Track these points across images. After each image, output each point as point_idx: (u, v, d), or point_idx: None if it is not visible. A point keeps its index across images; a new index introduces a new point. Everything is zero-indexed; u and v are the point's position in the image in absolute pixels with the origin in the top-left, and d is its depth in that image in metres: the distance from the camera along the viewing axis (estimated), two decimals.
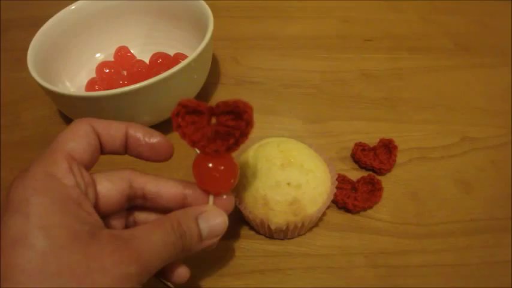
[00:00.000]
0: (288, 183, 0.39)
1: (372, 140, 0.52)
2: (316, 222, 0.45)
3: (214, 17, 0.54)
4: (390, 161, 0.49)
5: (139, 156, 0.33)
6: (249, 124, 0.30)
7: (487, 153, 0.52)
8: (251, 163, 0.41)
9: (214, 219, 0.31)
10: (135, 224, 0.34)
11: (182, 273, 0.34)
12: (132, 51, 0.63)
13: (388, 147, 0.50)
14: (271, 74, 0.64)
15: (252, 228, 0.45)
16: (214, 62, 0.65)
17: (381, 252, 0.43)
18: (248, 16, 0.75)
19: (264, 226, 0.42)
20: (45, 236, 0.24)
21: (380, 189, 0.47)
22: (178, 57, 0.58)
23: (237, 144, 0.31)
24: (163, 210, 0.33)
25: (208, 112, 0.31)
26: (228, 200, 0.34)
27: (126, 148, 0.32)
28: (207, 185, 0.33)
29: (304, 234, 0.44)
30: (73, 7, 0.58)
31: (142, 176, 0.32)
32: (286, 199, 0.39)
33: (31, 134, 0.57)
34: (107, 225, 0.31)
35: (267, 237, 0.44)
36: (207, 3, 0.56)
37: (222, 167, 0.32)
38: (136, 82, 0.46)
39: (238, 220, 0.46)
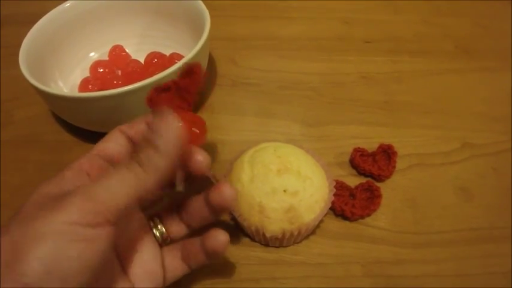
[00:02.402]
0: (285, 190, 0.38)
1: (371, 145, 0.51)
2: (313, 230, 0.44)
3: (211, 16, 0.53)
4: (389, 167, 0.48)
5: None
6: (197, 81, 0.35)
7: (488, 159, 0.51)
8: (246, 169, 0.40)
9: (163, 129, 0.29)
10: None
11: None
12: (127, 51, 0.62)
13: (387, 153, 0.49)
14: (268, 76, 0.62)
15: (246, 235, 0.44)
16: (211, 62, 0.64)
17: (378, 262, 0.42)
18: (246, 16, 0.74)
19: (259, 234, 0.41)
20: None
21: (379, 196, 0.46)
22: (174, 57, 0.57)
23: (191, 98, 0.35)
24: None
25: (173, 85, 0.35)
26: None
27: None
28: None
29: (300, 242, 0.43)
30: (67, 5, 0.57)
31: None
32: (282, 206, 0.38)
33: (24, 133, 0.56)
34: None
35: (262, 244, 0.43)
36: (204, 3, 0.55)
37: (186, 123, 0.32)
38: (130, 82, 0.45)
39: (233, 227, 0.45)
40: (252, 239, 0.44)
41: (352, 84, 0.61)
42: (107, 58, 0.61)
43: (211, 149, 0.52)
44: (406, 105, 0.58)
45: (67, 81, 0.58)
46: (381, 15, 0.74)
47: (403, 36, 0.70)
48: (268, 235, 0.40)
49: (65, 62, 0.58)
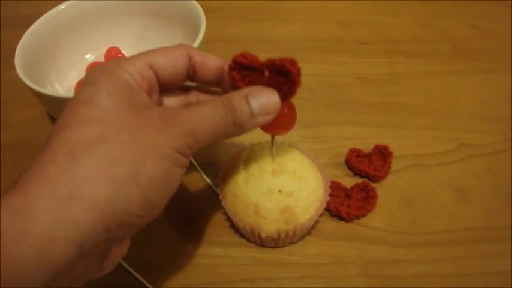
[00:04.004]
0: (280, 191, 0.38)
1: (366, 146, 0.51)
2: (309, 231, 0.44)
3: (207, 18, 0.53)
4: (385, 168, 0.48)
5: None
6: (295, 84, 0.32)
7: (484, 160, 0.51)
8: (242, 169, 0.40)
9: (264, 95, 0.32)
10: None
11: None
12: (123, 52, 0.61)
13: (383, 153, 0.49)
14: None
15: (242, 235, 0.44)
16: None
17: (374, 262, 0.42)
18: (242, 18, 0.74)
19: (254, 234, 0.41)
20: (108, 97, 0.28)
21: (374, 196, 0.46)
22: None
23: (285, 98, 0.33)
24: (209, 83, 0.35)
25: (261, 67, 0.33)
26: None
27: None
28: (267, 128, 0.35)
29: (296, 242, 0.43)
30: (63, 7, 0.57)
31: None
32: (277, 207, 0.38)
33: (21, 135, 0.56)
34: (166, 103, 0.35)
35: (258, 245, 0.43)
36: (200, 4, 0.55)
37: (280, 113, 0.33)
38: None
39: (229, 227, 0.45)
40: (248, 240, 0.43)
41: (348, 85, 0.61)
42: (103, 60, 0.61)
43: (206, 150, 0.52)
44: (401, 106, 0.58)
45: (63, 83, 0.57)
46: (377, 16, 0.74)
47: (399, 37, 0.70)
48: (263, 235, 0.40)
49: (61, 64, 0.58)
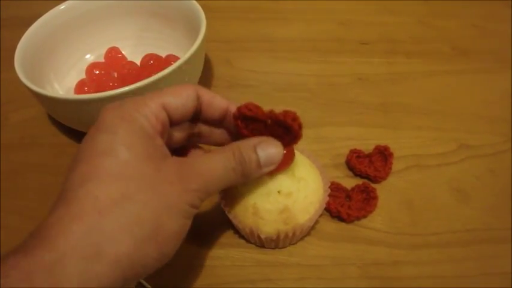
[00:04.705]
0: (279, 191, 0.38)
1: (367, 147, 0.51)
2: (309, 231, 0.44)
3: (208, 18, 0.53)
4: (386, 169, 0.48)
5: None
6: (296, 137, 0.34)
7: (485, 161, 0.51)
8: None
9: (271, 148, 0.34)
10: (199, 135, 0.38)
11: None
12: (123, 52, 0.61)
13: (383, 154, 0.49)
14: (264, 77, 0.62)
15: (242, 237, 0.44)
16: (207, 64, 0.64)
17: (374, 263, 0.42)
18: (242, 17, 0.74)
19: (254, 235, 0.40)
20: (128, 150, 0.29)
21: (375, 197, 0.45)
22: (170, 58, 0.57)
23: (286, 146, 0.35)
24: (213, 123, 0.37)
25: (264, 119, 0.35)
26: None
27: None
28: None
29: (296, 243, 0.43)
30: (62, 7, 0.57)
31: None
32: (276, 208, 0.38)
33: (20, 136, 0.56)
34: (175, 138, 0.36)
35: (258, 246, 0.43)
36: (200, 4, 0.55)
37: None
38: (126, 84, 0.45)
39: (228, 229, 0.44)
40: (248, 241, 0.43)
41: (348, 85, 0.61)
42: (103, 60, 0.61)
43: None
44: (402, 106, 0.57)
45: (63, 83, 0.58)
46: (377, 16, 0.74)
47: (400, 37, 0.69)
48: (263, 236, 0.40)
49: (60, 64, 0.58)
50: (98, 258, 0.25)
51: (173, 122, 0.34)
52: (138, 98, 0.32)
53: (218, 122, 0.37)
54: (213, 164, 0.32)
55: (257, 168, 0.34)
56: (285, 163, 0.38)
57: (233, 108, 0.35)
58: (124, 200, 0.27)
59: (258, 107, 0.35)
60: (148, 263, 0.28)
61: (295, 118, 0.34)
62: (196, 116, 0.36)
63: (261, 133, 0.36)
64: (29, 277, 0.23)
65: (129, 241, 0.26)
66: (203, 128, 0.38)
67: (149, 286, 0.40)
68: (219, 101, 0.36)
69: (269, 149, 0.34)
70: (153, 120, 0.31)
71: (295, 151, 0.42)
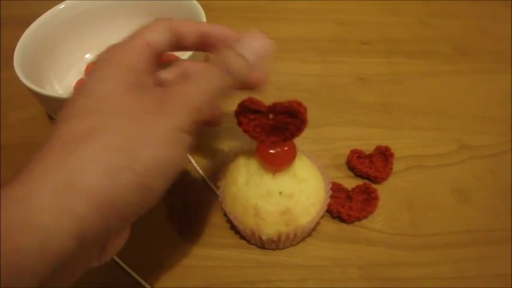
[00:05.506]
0: (280, 193, 0.38)
1: (367, 147, 0.50)
2: (309, 232, 0.43)
3: (208, 17, 0.53)
4: (386, 169, 0.48)
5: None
6: (303, 122, 0.35)
7: (486, 162, 0.50)
8: (242, 171, 0.40)
9: (253, 42, 0.32)
10: None
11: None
12: None
13: (384, 154, 0.49)
14: None
15: (243, 237, 0.44)
16: None
17: (375, 264, 0.42)
18: (242, 17, 0.74)
19: (255, 236, 0.40)
20: (106, 85, 0.28)
21: (375, 198, 0.45)
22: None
23: (292, 136, 0.36)
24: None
25: (267, 111, 0.35)
26: None
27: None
28: (270, 164, 0.38)
29: (296, 244, 0.43)
30: (62, 6, 0.57)
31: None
32: (277, 209, 0.38)
33: (20, 136, 0.55)
34: None
35: (259, 247, 0.43)
36: (200, 3, 0.54)
37: (281, 152, 0.37)
38: None
39: (229, 229, 0.44)
40: (248, 242, 0.43)
41: (349, 85, 0.61)
42: None
43: (207, 152, 0.52)
44: (403, 106, 0.57)
45: (62, 83, 0.57)
46: (378, 16, 0.74)
47: (400, 37, 0.69)
48: (264, 237, 0.39)
49: (60, 64, 0.57)
50: (68, 191, 0.24)
51: (157, 59, 0.33)
52: (122, 41, 0.31)
53: (199, 48, 0.35)
54: (199, 83, 0.30)
55: (248, 68, 0.32)
56: (287, 160, 0.38)
57: (205, 28, 0.34)
58: (96, 131, 0.26)
59: (259, 100, 0.35)
60: (129, 199, 0.26)
61: (299, 103, 0.34)
62: (175, 48, 0.34)
63: (263, 127, 0.36)
64: (3, 211, 0.23)
65: (102, 172, 0.25)
66: (189, 65, 0.36)
67: (149, 286, 0.40)
68: (190, 26, 0.34)
69: (252, 44, 0.32)
70: (138, 57, 0.30)
71: (297, 152, 0.42)
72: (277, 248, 0.43)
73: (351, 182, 0.48)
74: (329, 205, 0.43)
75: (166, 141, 0.27)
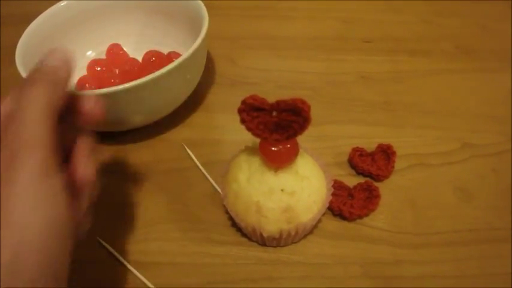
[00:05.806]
0: (282, 190, 0.38)
1: (369, 145, 0.50)
2: (311, 230, 0.43)
3: (210, 15, 0.52)
4: (388, 167, 0.48)
5: None
6: (307, 120, 0.34)
7: (488, 160, 0.50)
8: (244, 168, 0.40)
9: (53, 53, 0.31)
10: None
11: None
12: (124, 49, 0.61)
13: (386, 152, 0.49)
14: (267, 75, 0.62)
15: (244, 235, 0.43)
16: (210, 61, 0.63)
17: (377, 262, 0.42)
18: (245, 15, 0.74)
19: (256, 234, 0.40)
20: None
21: (377, 196, 0.45)
22: (172, 56, 0.57)
23: (295, 134, 0.36)
24: None
25: (270, 108, 0.35)
26: None
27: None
28: (273, 162, 0.38)
29: (298, 242, 0.43)
30: (64, 3, 0.57)
31: None
32: (279, 206, 0.38)
33: None
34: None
35: (260, 244, 0.43)
36: (203, 1, 0.54)
37: (283, 150, 0.37)
38: (128, 81, 0.44)
39: (230, 226, 0.44)
40: (250, 239, 0.43)
41: (351, 83, 0.61)
42: (105, 57, 0.61)
43: (209, 149, 0.52)
44: (405, 105, 0.57)
45: None
46: (381, 14, 0.74)
47: (403, 36, 0.69)
48: (265, 235, 0.39)
49: None
50: None
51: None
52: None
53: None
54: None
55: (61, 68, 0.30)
56: (290, 158, 0.38)
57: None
58: None
59: (263, 98, 0.35)
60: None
61: (303, 101, 0.34)
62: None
63: (267, 125, 0.36)
64: None
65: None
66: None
67: (152, 286, 0.40)
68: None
69: (53, 55, 0.31)
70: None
71: (300, 149, 0.42)
72: (278, 246, 0.42)
73: (352, 180, 0.48)
74: (331, 203, 0.43)
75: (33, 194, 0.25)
